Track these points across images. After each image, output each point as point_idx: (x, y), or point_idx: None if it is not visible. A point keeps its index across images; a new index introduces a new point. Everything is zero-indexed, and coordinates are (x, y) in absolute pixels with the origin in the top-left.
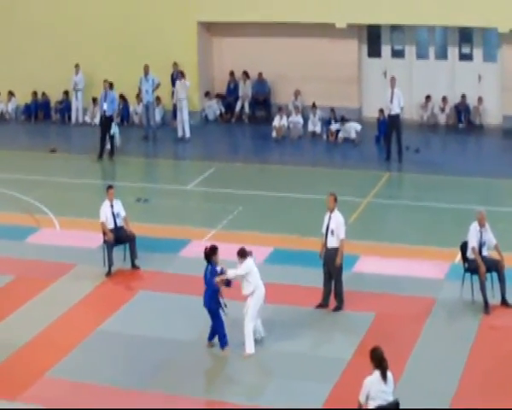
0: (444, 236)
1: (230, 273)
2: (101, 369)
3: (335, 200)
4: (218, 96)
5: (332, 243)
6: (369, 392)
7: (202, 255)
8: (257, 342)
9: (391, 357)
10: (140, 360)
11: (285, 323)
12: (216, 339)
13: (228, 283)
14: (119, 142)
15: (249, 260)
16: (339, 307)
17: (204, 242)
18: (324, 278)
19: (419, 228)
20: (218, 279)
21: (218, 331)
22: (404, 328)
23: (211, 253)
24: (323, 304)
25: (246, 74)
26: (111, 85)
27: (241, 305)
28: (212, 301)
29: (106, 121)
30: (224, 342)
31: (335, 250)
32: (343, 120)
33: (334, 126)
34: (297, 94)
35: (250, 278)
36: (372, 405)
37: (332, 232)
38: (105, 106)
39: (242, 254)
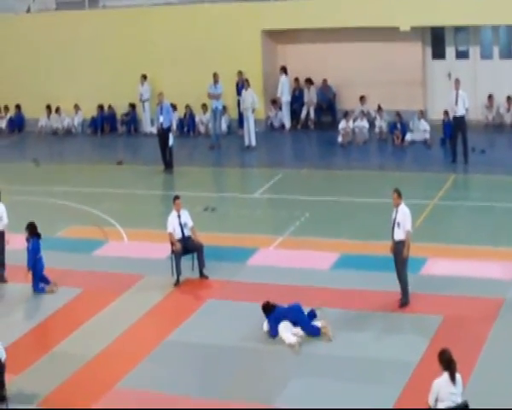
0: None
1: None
2: (171, 379)
3: (399, 195)
4: None
5: (398, 235)
6: (437, 394)
7: (270, 263)
8: None
9: (459, 359)
10: (210, 368)
11: (353, 327)
12: None
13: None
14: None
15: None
16: (404, 303)
17: (272, 249)
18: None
19: (486, 229)
20: None
21: None
22: (472, 329)
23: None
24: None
25: (309, 81)
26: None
27: None
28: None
29: (163, 133)
30: None
31: (402, 243)
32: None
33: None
34: (363, 99)
35: None
36: (441, 407)
37: (398, 225)
38: (161, 118)
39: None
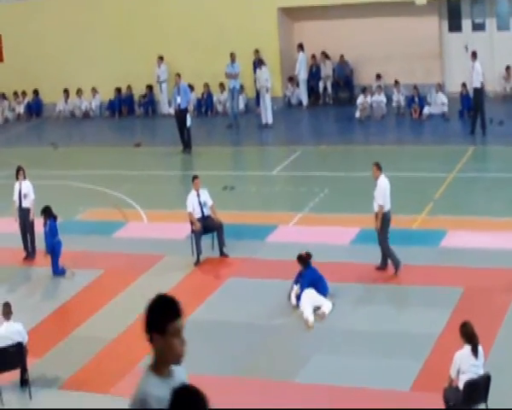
0: None
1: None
2: (193, 358)
3: (378, 168)
4: None
5: (375, 208)
6: (459, 366)
7: (290, 240)
8: None
9: (481, 330)
10: (232, 346)
11: (374, 301)
12: None
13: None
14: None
15: None
16: (381, 268)
17: (291, 226)
18: None
19: (505, 200)
20: None
21: None
22: (493, 301)
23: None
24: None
25: (325, 55)
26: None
27: None
28: None
29: (181, 114)
30: None
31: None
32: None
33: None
34: (379, 74)
35: None
36: (463, 379)
37: (374, 198)
38: (178, 99)
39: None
